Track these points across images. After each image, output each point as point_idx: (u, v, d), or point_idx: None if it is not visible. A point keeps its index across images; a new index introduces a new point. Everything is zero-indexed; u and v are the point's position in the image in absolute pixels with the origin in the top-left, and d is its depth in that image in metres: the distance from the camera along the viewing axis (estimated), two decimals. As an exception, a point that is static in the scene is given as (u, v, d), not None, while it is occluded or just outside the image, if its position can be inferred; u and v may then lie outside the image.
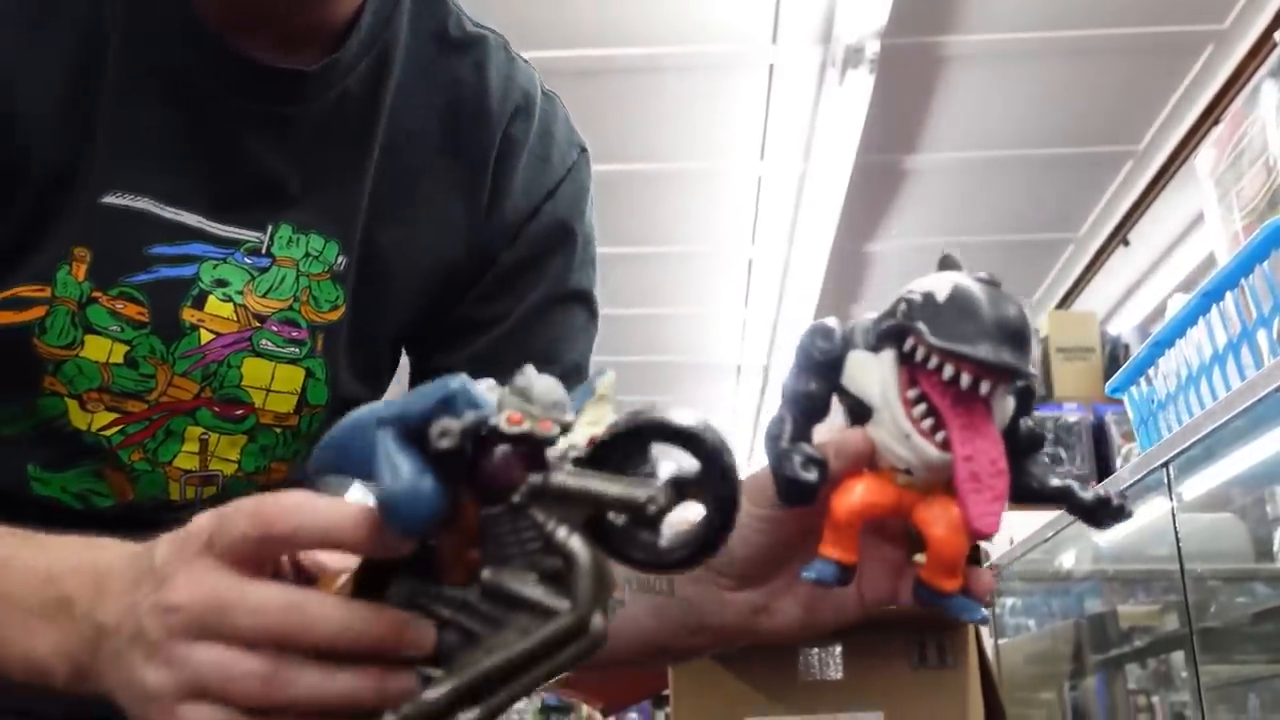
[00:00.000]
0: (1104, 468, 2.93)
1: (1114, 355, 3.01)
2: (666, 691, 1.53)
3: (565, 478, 0.46)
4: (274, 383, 0.80)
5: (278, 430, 0.81)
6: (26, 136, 0.73)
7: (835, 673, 1.47)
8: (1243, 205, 1.63)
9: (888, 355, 0.55)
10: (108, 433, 0.77)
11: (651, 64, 3.62)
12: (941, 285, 0.54)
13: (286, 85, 0.78)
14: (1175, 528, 1.44)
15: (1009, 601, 2.43)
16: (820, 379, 0.57)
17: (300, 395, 0.81)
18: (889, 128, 3.89)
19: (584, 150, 0.93)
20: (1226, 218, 1.67)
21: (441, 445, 0.45)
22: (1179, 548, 1.45)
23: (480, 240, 0.86)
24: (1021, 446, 0.57)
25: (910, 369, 0.55)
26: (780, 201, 4.41)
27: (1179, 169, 3.97)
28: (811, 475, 0.55)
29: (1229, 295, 1.17)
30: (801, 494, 0.56)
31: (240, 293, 0.78)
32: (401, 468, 0.45)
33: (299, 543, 0.51)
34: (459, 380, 0.47)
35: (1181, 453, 1.29)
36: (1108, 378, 1.56)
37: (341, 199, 0.82)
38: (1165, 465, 1.35)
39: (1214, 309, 1.20)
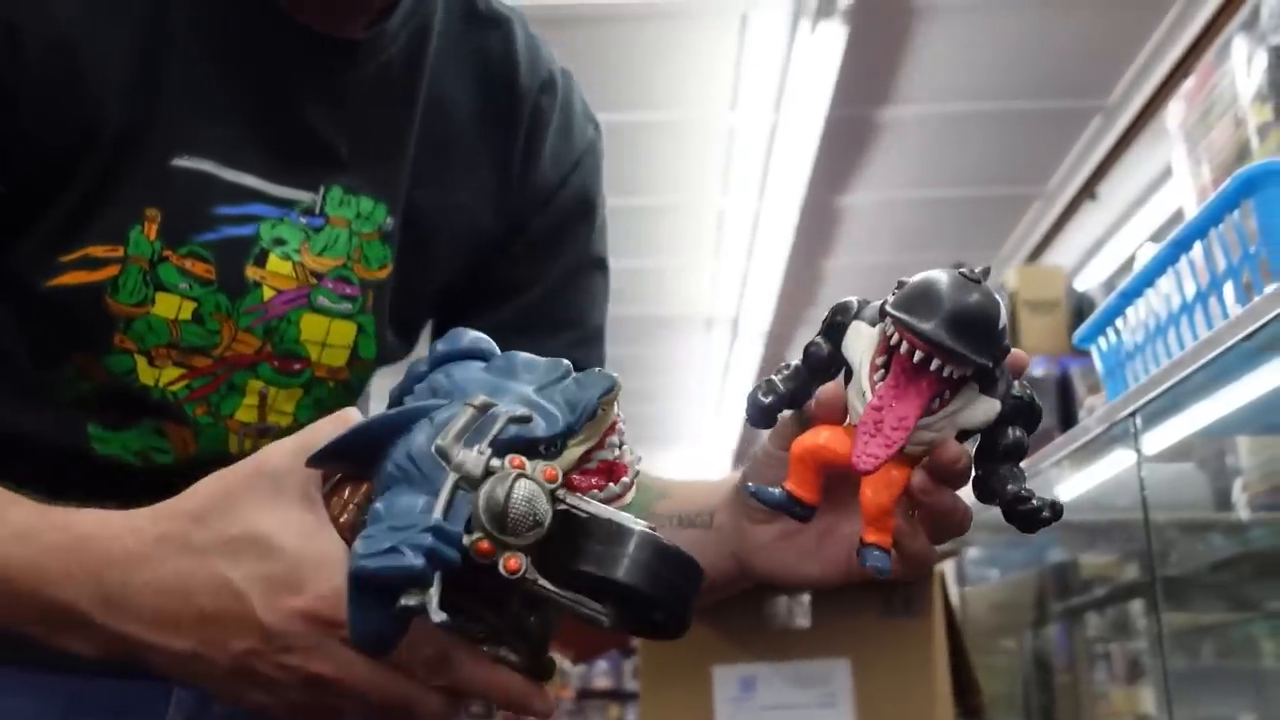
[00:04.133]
0: (1067, 420, 2.96)
1: (1080, 310, 3.03)
2: (634, 643, 1.53)
3: (537, 588, 0.54)
4: (329, 337, 0.83)
5: (330, 384, 0.85)
6: (94, 98, 0.75)
7: (803, 621, 1.48)
8: (1211, 158, 1.63)
9: (877, 328, 0.62)
10: (174, 388, 0.80)
11: (622, 12, 3.58)
12: (923, 273, 0.60)
13: (340, 53, 0.82)
14: (1140, 478, 1.46)
15: (974, 551, 2.46)
16: (831, 342, 0.65)
17: (352, 350, 0.85)
18: (861, 79, 3.88)
19: (598, 126, 0.98)
20: (1195, 171, 1.68)
21: (410, 603, 0.51)
22: (1144, 498, 1.47)
23: (512, 207, 0.91)
24: (998, 452, 0.63)
25: (886, 340, 0.61)
26: (751, 153, 4.40)
27: (1148, 124, 3.98)
28: (766, 399, 0.65)
29: (1198, 245, 1.17)
30: (756, 415, 0.65)
31: (298, 251, 0.82)
32: (356, 622, 0.54)
33: None
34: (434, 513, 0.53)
35: (1148, 403, 1.29)
36: (1073, 332, 1.57)
37: (387, 163, 0.85)
38: (1132, 415, 1.36)
39: (1182, 259, 1.20)
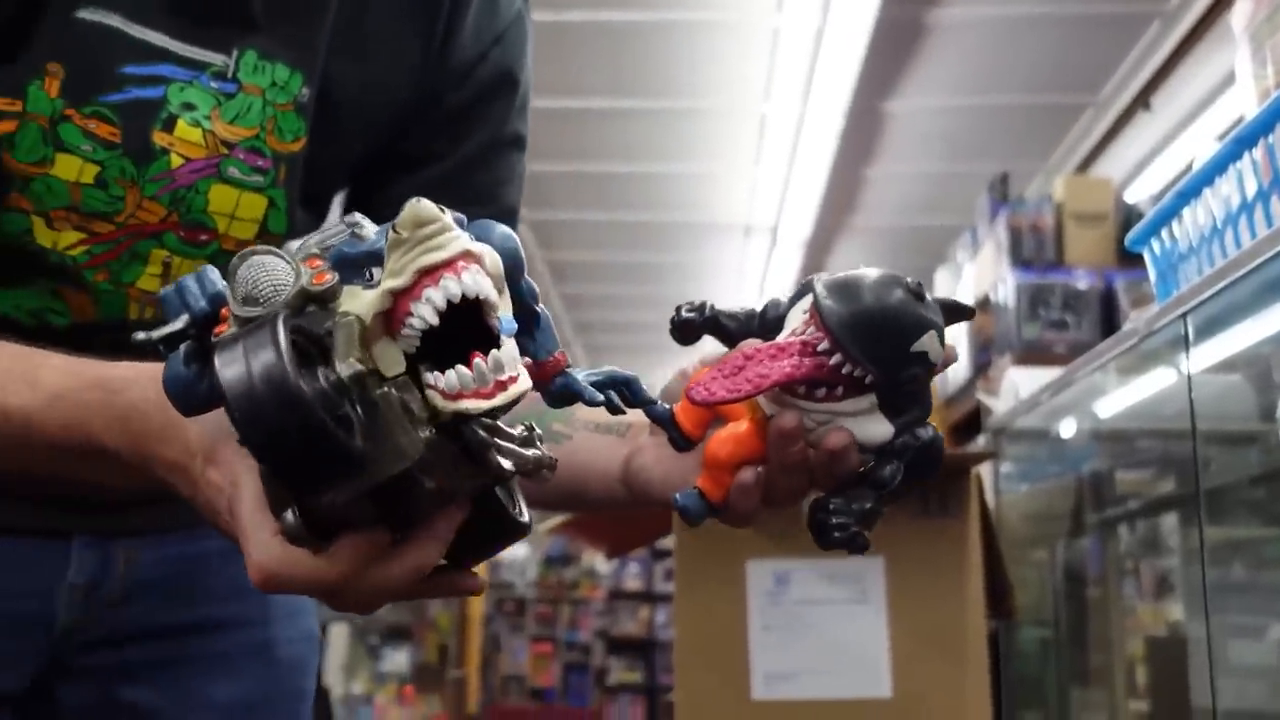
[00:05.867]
0: (1110, 334, 2.92)
1: (1128, 223, 2.99)
2: (666, 542, 1.54)
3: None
4: (238, 210, 0.81)
5: None
6: None
7: (838, 518, 1.48)
8: (1277, 60, 1.58)
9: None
10: (73, 252, 0.78)
11: (668, -95, 3.49)
12: (873, 270, 0.60)
13: None
14: (1189, 384, 1.44)
15: (1010, 460, 2.45)
16: (791, 304, 0.64)
17: (261, 224, 0.83)
18: (911, -21, 3.77)
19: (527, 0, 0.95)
20: (1259, 74, 1.62)
21: (154, 333, 0.55)
22: (1192, 405, 1.44)
23: (430, 79, 0.89)
24: (864, 474, 0.61)
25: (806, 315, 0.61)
26: (797, 56, 4.30)
27: (1209, 29, 3.85)
28: (687, 314, 0.65)
29: (1262, 141, 1.13)
30: (676, 327, 0.65)
31: (208, 118, 0.79)
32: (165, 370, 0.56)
33: None
34: (178, 284, 0.56)
35: (1199, 305, 1.26)
36: (1121, 245, 1.53)
37: (305, 29, 0.83)
38: (1182, 317, 1.33)
39: (1245, 156, 1.16)
